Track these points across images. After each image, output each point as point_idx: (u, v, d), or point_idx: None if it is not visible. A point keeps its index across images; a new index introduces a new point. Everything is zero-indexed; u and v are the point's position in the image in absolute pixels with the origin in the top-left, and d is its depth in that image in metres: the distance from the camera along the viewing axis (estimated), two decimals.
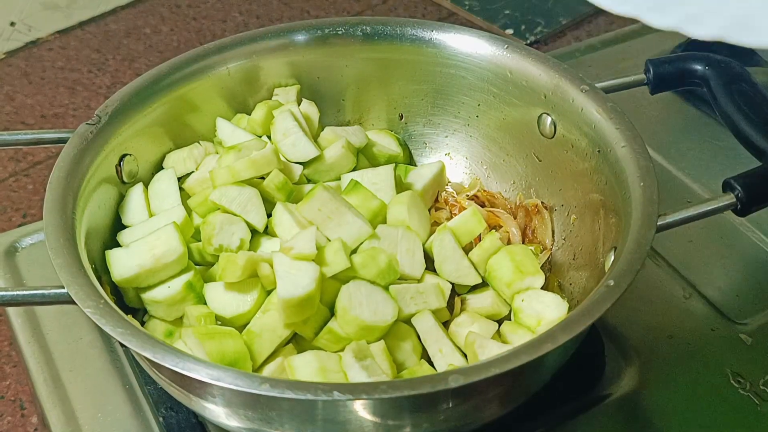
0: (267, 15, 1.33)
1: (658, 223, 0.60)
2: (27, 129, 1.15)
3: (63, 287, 0.57)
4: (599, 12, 1.28)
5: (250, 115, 0.77)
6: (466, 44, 0.77)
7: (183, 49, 1.25)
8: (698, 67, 0.73)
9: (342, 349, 0.60)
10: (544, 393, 0.62)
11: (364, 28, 0.79)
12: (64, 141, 0.67)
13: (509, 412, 0.61)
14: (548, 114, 0.74)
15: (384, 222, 0.69)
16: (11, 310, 0.77)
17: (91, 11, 1.36)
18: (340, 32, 0.79)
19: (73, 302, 0.56)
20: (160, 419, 0.67)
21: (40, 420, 0.71)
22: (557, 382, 0.62)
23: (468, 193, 0.77)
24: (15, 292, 0.58)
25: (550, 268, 0.73)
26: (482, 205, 0.76)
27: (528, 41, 1.25)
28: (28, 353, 0.73)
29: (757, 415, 0.67)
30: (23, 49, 1.30)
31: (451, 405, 0.56)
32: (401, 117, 0.82)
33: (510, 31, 1.27)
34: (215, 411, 0.58)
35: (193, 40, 1.29)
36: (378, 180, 0.72)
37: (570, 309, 0.64)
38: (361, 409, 0.55)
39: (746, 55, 0.93)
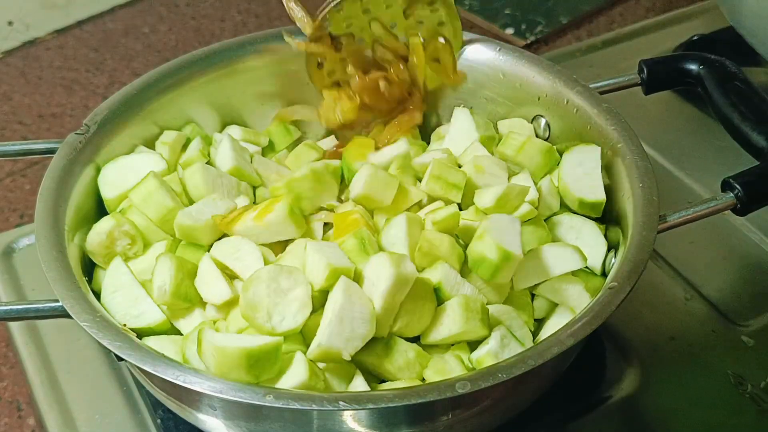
0: (266, 14, 1.32)
1: (659, 225, 0.60)
2: (24, 128, 1.14)
3: (58, 301, 0.56)
4: (600, 12, 1.28)
5: (240, 125, 0.77)
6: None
7: (181, 48, 1.25)
8: (692, 67, 0.73)
9: None
10: (546, 396, 0.62)
11: None
12: (52, 151, 0.67)
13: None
14: (543, 116, 0.73)
15: None
16: None
17: (89, 10, 1.36)
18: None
19: (69, 316, 0.56)
20: (158, 421, 0.66)
21: (37, 422, 0.70)
22: (558, 384, 0.62)
23: None
24: (9, 307, 0.58)
25: None
26: None
27: (528, 41, 1.24)
28: (25, 354, 0.73)
29: (759, 416, 0.66)
30: (21, 48, 1.30)
31: (450, 416, 0.56)
32: None
33: (510, 31, 1.26)
34: (213, 424, 0.58)
35: (191, 40, 1.29)
36: None
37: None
38: (366, 418, 0.54)
39: (747, 54, 0.93)
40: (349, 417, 0.54)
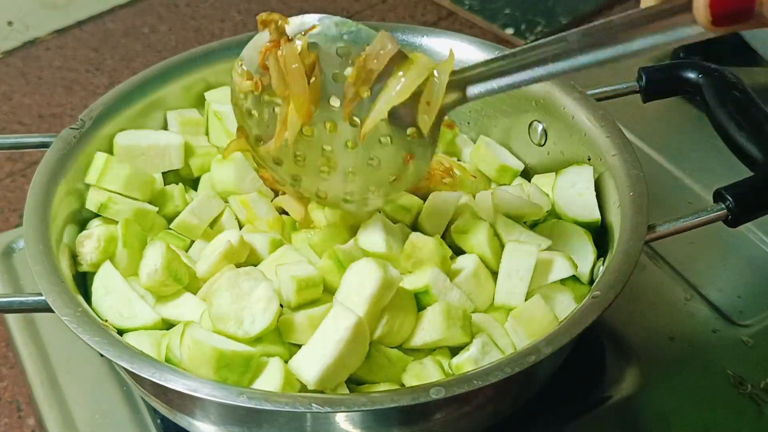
0: None
1: (648, 235, 0.60)
2: (24, 128, 1.14)
3: (41, 294, 0.56)
4: (600, 12, 1.28)
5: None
6: (456, 50, 0.76)
7: (181, 48, 1.25)
8: (691, 75, 0.73)
9: None
10: (545, 395, 0.62)
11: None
12: (46, 145, 0.66)
13: (510, 414, 0.61)
14: (539, 122, 0.73)
15: None
16: None
17: (89, 10, 1.36)
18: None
19: (51, 310, 0.55)
20: (158, 421, 0.66)
21: (37, 422, 0.70)
22: (558, 384, 0.62)
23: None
24: None
25: None
26: None
27: (528, 41, 1.24)
28: (25, 355, 0.73)
29: (758, 416, 0.66)
30: (21, 48, 1.30)
31: (436, 416, 0.56)
32: None
33: (510, 31, 1.27)
34: (193, 424, 0.58)
35: (191, 40, 1.29)
36: None
37: None
38: (356, 420, 0.54)
39: (747, 54, 0.93)
40: (340, 419, 0.54)
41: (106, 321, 0.59)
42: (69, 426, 0.67)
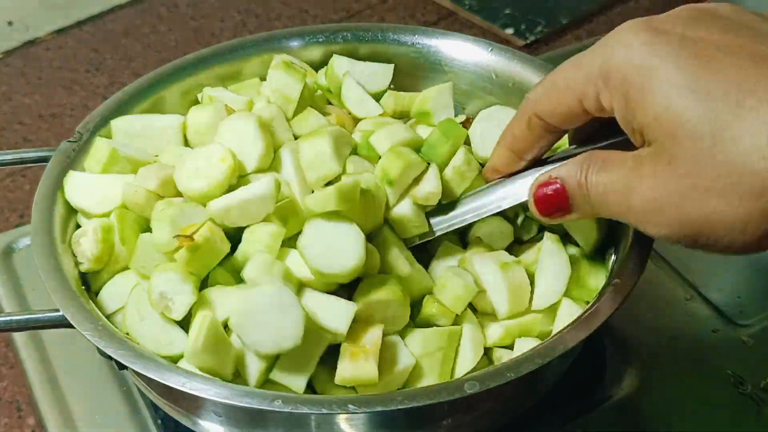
0: (266, 14, 1.32)
1: None
2: (24, 128, 1.14)
3: (58, 310, 0.56)
4: (600, 11, 1.28)
5: None
6: (450, 48, 0.77)
7: (181, 48, 1.24)
8: None
9: None
10: (546, 395, 0.62)
11: (345, 35, 0.78)
12: (45, 159, 0.66)
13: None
14: None
15: None
16: (8, 310, 0.76)
17: (89, 10, 1.36)
18: (320, 40, 0.78)
19: (70, 326, 0.55)
20: (159, 421, 0.66)
21: (37, 422, 0.71)
22: (558, 384, 0.62)
23: None
24: (8, 318, 0.57)
25: None
26: None
27: (528, 41, 1.24)
28: (25, 354, 0.73)
29: (758, 416, 0.66)
30: (21, 48, 1.29)
31: (443, 423, 0.56)
32: None
33: (510, 31, 1.26)
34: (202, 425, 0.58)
35: (191, 40, 1.28)
36: None
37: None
38: (371, 419, 0.54)
39: None
40: (348, 417, 0.54)
41: (128, 334, 0.58)
42: (69, 426, 0.67)
